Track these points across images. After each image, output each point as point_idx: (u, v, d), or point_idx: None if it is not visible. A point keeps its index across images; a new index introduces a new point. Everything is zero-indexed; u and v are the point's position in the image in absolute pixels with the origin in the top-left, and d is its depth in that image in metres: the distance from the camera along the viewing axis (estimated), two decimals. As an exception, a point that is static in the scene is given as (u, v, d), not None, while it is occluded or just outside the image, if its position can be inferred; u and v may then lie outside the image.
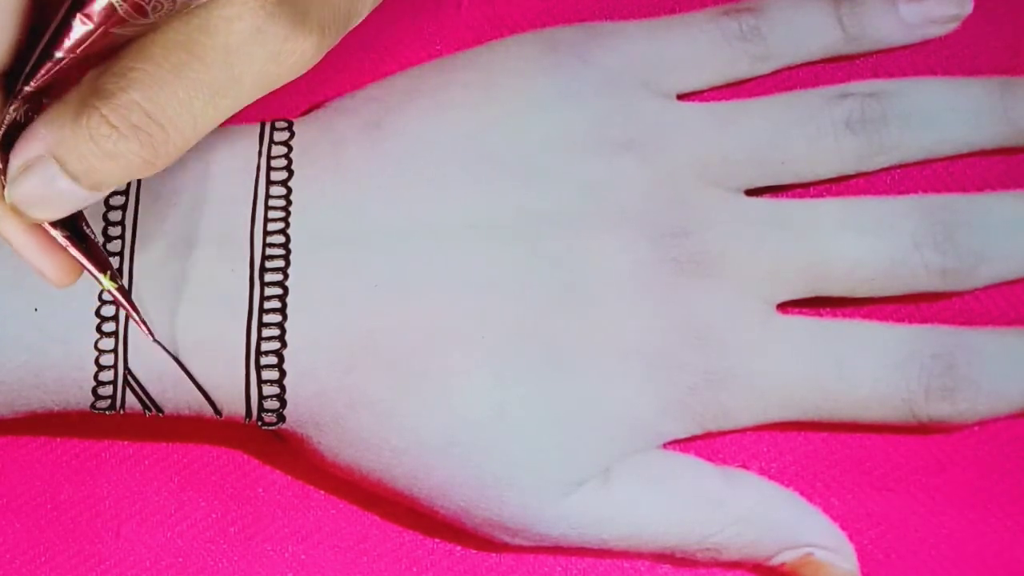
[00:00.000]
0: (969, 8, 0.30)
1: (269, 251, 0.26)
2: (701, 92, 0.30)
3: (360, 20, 0.21)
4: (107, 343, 0.25)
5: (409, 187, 0.27)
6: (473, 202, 0.27)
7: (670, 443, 0.28)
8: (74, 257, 0.23)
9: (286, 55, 0.20)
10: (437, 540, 0.29)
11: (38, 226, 0.22)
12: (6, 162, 0.20)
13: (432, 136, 0.27)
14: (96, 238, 0.24)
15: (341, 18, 0.21)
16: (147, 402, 0.26)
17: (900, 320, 0.29)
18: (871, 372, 0.27)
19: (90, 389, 0.26)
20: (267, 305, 0.26)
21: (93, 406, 0.26)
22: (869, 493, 0.29)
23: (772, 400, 0.27)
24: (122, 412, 0.26)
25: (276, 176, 0.27)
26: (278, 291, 0.26)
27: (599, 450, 0.26)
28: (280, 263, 0.26)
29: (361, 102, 0.28)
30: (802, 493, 0.28)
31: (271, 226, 0.26)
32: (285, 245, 0.26)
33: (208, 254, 0.26)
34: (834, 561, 0.27)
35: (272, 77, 0.20)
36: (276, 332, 0.26)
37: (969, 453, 0.29)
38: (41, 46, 0.19)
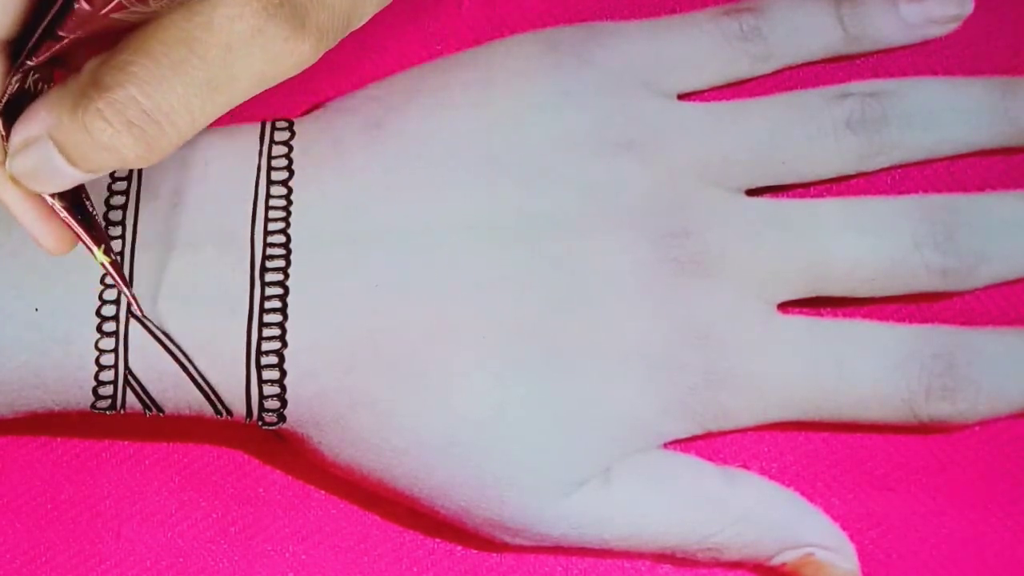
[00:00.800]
0: (969, 8, 0.30)
1: (270, 251, 0.26)
2: (701, 92, 0.30)
3: (360, 24, 0.22)
4: (107, 343, 0.25)
5: (409, 187, 0.27)
6: (473, 202, 0.27)
7: (670, 443, 0.28)
8: (70, 227, 0.23)
9: (284, 56, 0.20)
10: (437, 540, 0.29)
11: (37, 194, 0.22)
12: (8, 130, 0.21)
13: (432, 136, 0.27)
14: (95, 211, 0.24)
15: (340, 22, 0.21)
16: (147, 402, 0.26)
17: (900, 320, 0.29)
18: (871, 372, 0.27)
19: (90, 389, 0.26)
20: (268, 305, 0.26)
21: (93, 406, 0.26)
22: (869, 493, 0.29)
23: (772, 400, 0.27)
24: (122, 412, 0.26)
25: (277, 176, 0.27)
26: (279, 291, 0.26)
27: (599, 450, 0.26)
28: (281, 263, 0.26)
29: (361, 102, 0.28)
30: (802, 493, 0.28)
31: (272, 226, 0.26)
32: (286, 245, 0.26)
33: (208, 254, 0.26)
34: (835, 561, 0.27)
35: (268, 77, 0.20)
36: (277, 332, 0.26)
37: (969, 453, 0.29)
38: (44, 24, 0.19)
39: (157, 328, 0.25)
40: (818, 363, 0.27)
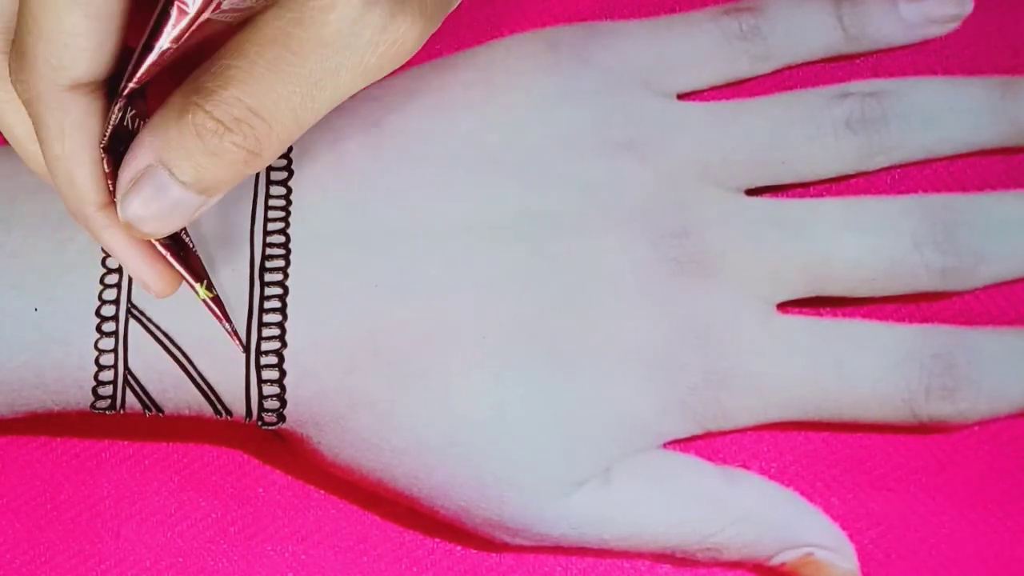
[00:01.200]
0: (969, 8, 0.30)
1: (269, 251, 0.26)
2: (701, 92, 0.30)
3: (459, 2, 0.21)
4: (107, 343, 0.25)
5: (409, 187, 0.27)
6: (473, 202, 0.27)
7: (670, 443, 0.28)
8: (173, 267, 0.23)
9: (385, 45, 0.20)
10: (437, 540, 0.29)
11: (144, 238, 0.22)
12: (113, 167, 0.21)
13: (432, 136, 0.27)
14: (193, 246, 0.24)
15: (441, 2, 0.20)
16: (147, 402, 0.26)
17: (900, 320, 0.29)
18: (871, 372, 0.27)
19: (90, 389, 0.26)
20: (267, 305, 0.26)
21: (93, 406, 0.26)
22: (869, 493, 0.29)
23: (772, 400, 0.27)
24: (122, 412, 0.26)
25: (276, 176, 0.27)
26: (278, 291, 0.26)
27: (599, 450, 0.26)
28: (280, 263, 0.26)
29: (361, 102, 0.28)
30: (802, 493, 0.28)
31: (271, 226, 0.26)
32: (285, 245, 0.26)
33: (208, 254, 0.26)
34: (834, 561, 0.27)
35: (373, 68, 0.20)
36: (276, 332, 0.26)
37: (969, 453, 0.29)
38: (143, 40, 0.19)
39: (159, 329, 0.25)
40: (818, 363, 0.27)
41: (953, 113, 0.29)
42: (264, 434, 0.29)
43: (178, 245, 0.23)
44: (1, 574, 0.29)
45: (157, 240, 0.22)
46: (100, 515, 0.29)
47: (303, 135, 0.27)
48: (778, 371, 0.27)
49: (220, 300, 0.25)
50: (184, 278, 0.24)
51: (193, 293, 0.24)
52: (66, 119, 0.20)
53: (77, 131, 0.21)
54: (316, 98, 0.20)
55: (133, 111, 0.21)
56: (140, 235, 0.21)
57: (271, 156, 0.20)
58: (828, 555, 0.27)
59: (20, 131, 0.23)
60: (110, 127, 0.21)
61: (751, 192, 0.28)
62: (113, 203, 0.21)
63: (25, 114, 0.22)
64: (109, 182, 0.21)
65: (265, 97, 0.19)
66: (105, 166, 0.21)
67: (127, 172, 0.20)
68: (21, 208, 0.26)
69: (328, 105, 0.20)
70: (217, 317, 0.25)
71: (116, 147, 0.21)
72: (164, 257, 0.23)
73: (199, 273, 0.24)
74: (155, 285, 0.23)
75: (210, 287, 0.24)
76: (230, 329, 0.25)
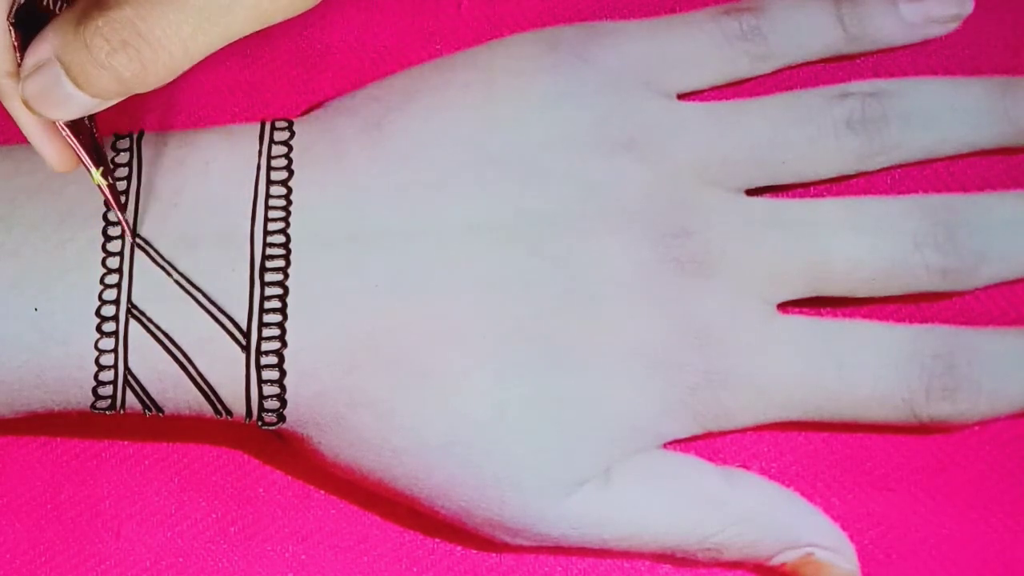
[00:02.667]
0: (970, 8, 0.30)
1: (269, 251, 0.26)
2: (701, 92, 0.30)
3: None
4: (107, 343, 0.25)
5: (409, 187, 0.27)
6: (473, 202, 0.27)
7: (670, 443, 0.28)
8: (72, 147, 0.24)
9: None
10: (437, 540, 0.29)
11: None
12: (21, 41, 0.22)
13: (432, 136, 0.27)
14: (98, 134, 0.25)
15: None
16: (147, 402, 0.26)
17: (900, 320, 0.29)
18: (872, 372, 0.27)
19: (90, 389, 0.26)
20: (267, 305, 0.26)
21: (93, 406, 0.26)
22: (869, 493, 0.29)
23: (773, 400, 0.27)
24: (122, 412, 0.26)
25: (276, 176, 0.27)
26: (278, 291, 0.26)
27: (600, 450, 0.26)
28: (280, 263, 0.26)
29: (361, 102, 0.28)
30: (802, 493, 0.28)
31: (271, 226, 0.26)
32: (285, 245, 0.26)
33: (208, 254, 0.26)
34: (835, 561, 0.27)
35: (267, 12, 0.21)
36: (276, 332, 0.26)
37: (969, 453, 0.29)
38: None
39: (159, 329, 0.25)
40: (818, 363, 0.27)
41: (953, 113, 0.29)
42: (264, 434, 0.29)
43: (78, 128, 0.24)
44: (1, 574, 0.29)
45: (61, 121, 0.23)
46: (100, 515, 0.29)
47: (303, 134, 0.27)
48: (778, 371, 0.27)
49: (115, 188, 0.25)
50: (80, 159, 0.24)
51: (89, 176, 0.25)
52: None
53: None
54: (208, 32, 0.20)
55: None
56: (38, 115, 0.22)
57: (157, 80, 0.21)
58: (828, 555, 0.27)
59: None
60: (16, 2, 0.21)
61: (751, 192, 0.28)
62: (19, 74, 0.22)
63: None
64: (17, 55, 0.22)
65: (156, 23, 0.20)
66: (13, 39, 0.22)
67: (30, 58, 0.21)
68: (21, 208, 0.26)
69: (220, 41, 0.21)
70: (108, 203, 0.25)
71: (32, 24, 0.22)
72: (64, 136, 0.24)
73: (98, 158, 0.25)
74: (51, 160, 0.24)
75: (106, 174, 0.25)
76: (122, 218, 0.25)
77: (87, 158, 0.24)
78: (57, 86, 0.21)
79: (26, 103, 0.22)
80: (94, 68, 0.21)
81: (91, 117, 0.24)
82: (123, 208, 0.26)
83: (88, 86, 0.21)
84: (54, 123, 0.23)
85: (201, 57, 0.21)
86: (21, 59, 0.22)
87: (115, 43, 0.20)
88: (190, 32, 0.20)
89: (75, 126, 0.24)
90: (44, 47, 0.21)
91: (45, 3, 0.22)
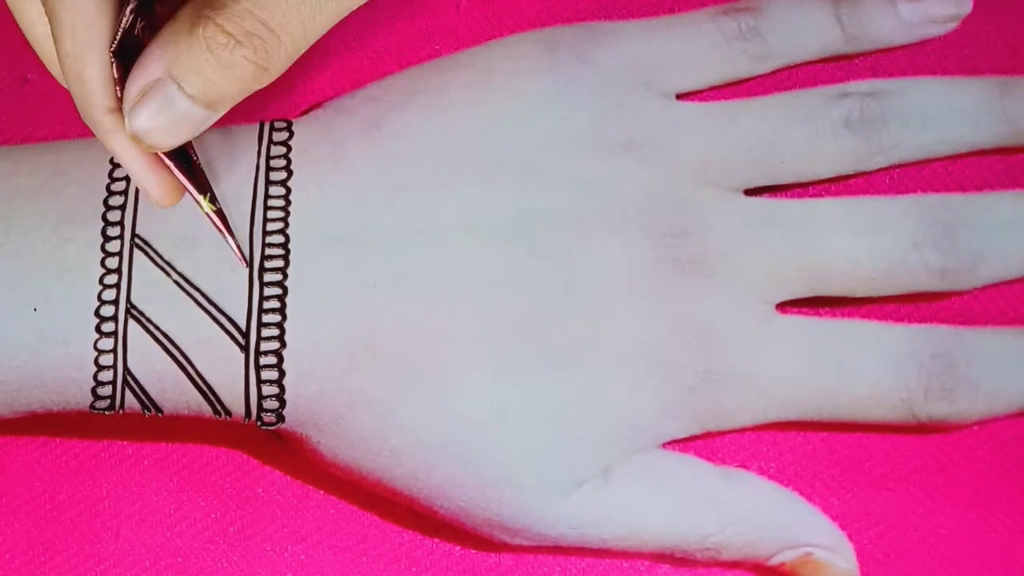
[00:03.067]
0: (969, 8, 0.30)
1: (268, 251, 0.26)
2: (700, 92, 0.30)
3: None
4: (106, 343, 0.25)
5: (408, 187, 0.27)
6: (472, 202, 0.27)
7: (670, 443, 0.28)
8: (177, 178, 0.23)
9: None
10: (437, 540, 0.29)
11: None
12: (121, 75, 0.21)
13: (431, 136, 0.27)
14: (198, 159, 0.24)
15: None
16: (146, 402, 0.26)
17: (900, 320, 0.29)
18: (870, 372, 0.27)
19: (89, 389, 0.26)
20: (266, 305, 0.26)
21: (92, 406, 0.26)
22: (869, 493, 0.29)
23: (772, 400, 0.27)
24: (121, 412, 0.26)
25: (275, 176, 0.27)
26: (277, 291, 0.26)
27: (599, 450, 0.26)
28: (279, 263, 0.26)
29: (361, 102, 0.28)
30: (802, 493, 0.28)
31: (270, 226, 0.26)
32: (284, 245, 0.26)
33: (207, 254, 0.26)
34: (833, 561, 0.27)
35: None
36: (275, 332, 0.26)
37: (969, 453, 0.29)
38: None
39: (158, 329, 0.25)
40: (817, 363, 0.27)
41: (952, 113, 0.29)
42: (264, 434, 0.29)
43: (183, 157, 0.24)
44: (1, 574, 0.29)
45: (163, 152, 0.23)
46: (100, 515, 0.29)
47: (302, 135, 0.27)
48: (777, 371, 0.27)
49: (224, 215, 0.25)
50: (187, 189, 0.24)
51: (197, 207, 0.24)
52: (78, 15, 0.21)
53: (88, 29, 0.21)
54: (324, 10, 0.20)
55: (143, 22, 0.21)
56: (146, 147, 0.22)
57: (278, 70, 0.21)
58: (827, 555, 0.27)
59: (40, 31, 0.23)
60: (120, 30, 0.21)
61: (750, 192, 0.28)
62: (121, 109, 0.21)
63: (45, 15, 0.22)
64: (117, 88, 0.21)
65: (276, 9, 0.20)
66: (114, 72, 0.21)
67: (135, 84, 0.21)
68: (20, 208, 0.26)
69: (335, 18, 0.21)
70: (221, 232, 0.25)
71: (126, 56, 0.21)
72: (168, 167, 0.23)
73: (203, 186, 0.24)
74: (157, 193, 0.24)
75: (213, 200, 0.24)
76: (234, 245, 0.25)
77: (192, 188, 0.24)
78: (170, 106, 0.21)
79: (134, 136, 0.21)
80: (215, 71, 0.20)
81: (191, 144, 0.24)
82: (234, 235, 0.25)
83: (208, 93, 0.20)
84: (157, 155, 0.23)
85: (317, 38, 0.21)
86: (122, 91, 0.21)
87: (240, 36, 0.20)
88: (308, 13, 0.20)
89: (176, 155, 0.23)
90: (152, 67, 0.20)
91: (136, 32, 0.21)
